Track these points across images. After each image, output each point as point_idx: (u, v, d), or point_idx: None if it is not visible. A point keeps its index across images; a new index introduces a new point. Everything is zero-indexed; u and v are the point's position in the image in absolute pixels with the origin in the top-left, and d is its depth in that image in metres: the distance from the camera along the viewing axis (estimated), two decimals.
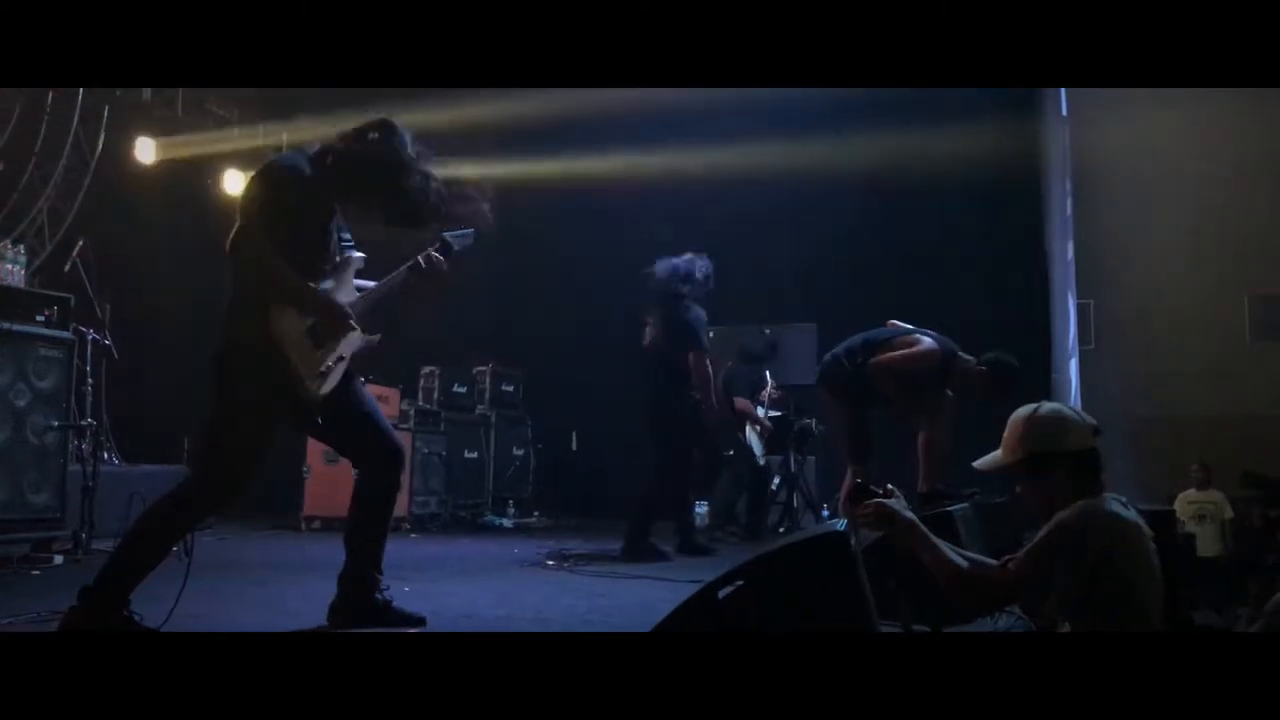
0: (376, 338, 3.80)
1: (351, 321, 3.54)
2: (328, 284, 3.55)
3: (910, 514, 2.69)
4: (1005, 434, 2.73)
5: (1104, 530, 2.44)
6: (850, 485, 2.80)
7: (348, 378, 3.69)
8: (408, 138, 3.58)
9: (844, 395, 5.64)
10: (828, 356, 5.85)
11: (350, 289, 3.68)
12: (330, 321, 3.49)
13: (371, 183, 3.54)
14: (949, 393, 5.53)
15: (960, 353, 5.39)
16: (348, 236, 3.74)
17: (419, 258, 3.83)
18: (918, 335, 5.49)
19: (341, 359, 3.61)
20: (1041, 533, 2.50)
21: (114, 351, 6.77)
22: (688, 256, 6.81)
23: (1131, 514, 2.54)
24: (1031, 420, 2.66)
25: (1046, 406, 2.70)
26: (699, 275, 6.78)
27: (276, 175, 3.48)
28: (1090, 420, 2.69)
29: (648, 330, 6.86)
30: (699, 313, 6.71)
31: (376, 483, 3.81)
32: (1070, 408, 2.75)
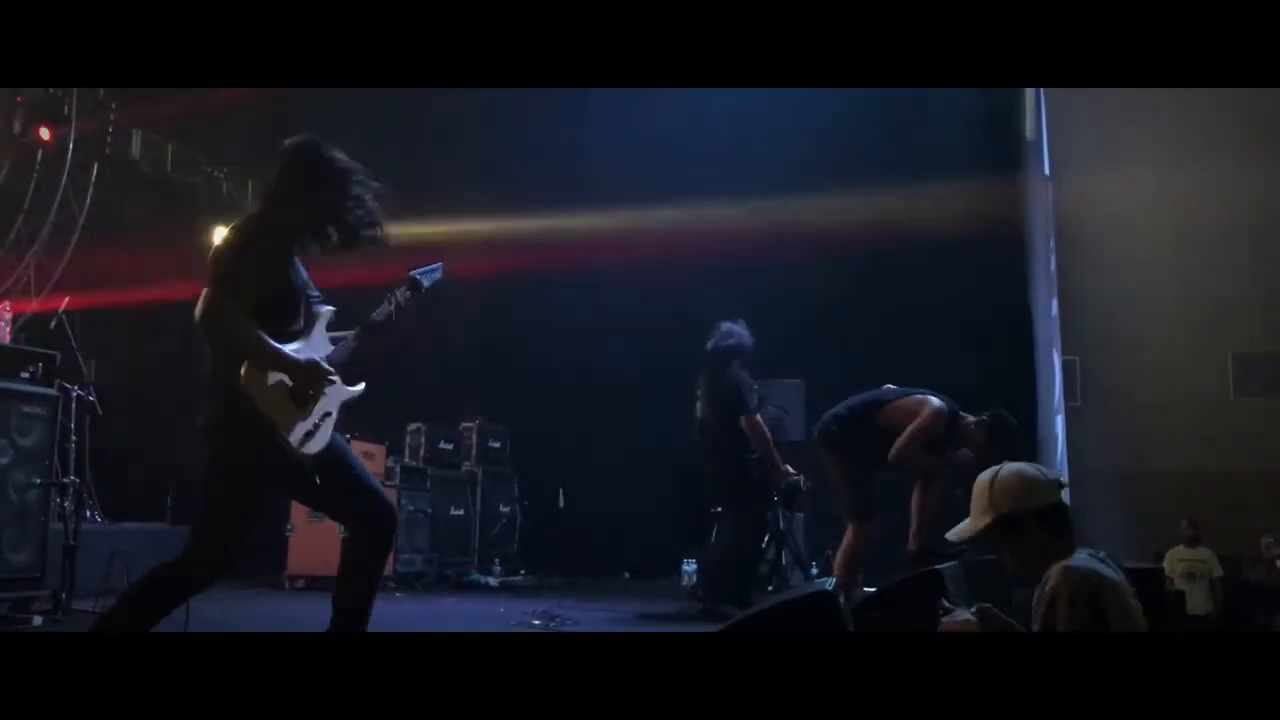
0: (360, 388, 3.77)
1: (331, 377, 3.53)
2: (298, 344, 3.53)
3: (1004, 619, 2.66)
4: (972, 501, 2.75)
5: (1087, 589, 2.43)
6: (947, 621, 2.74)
7: (335, 439, 3.67)
8: (330, 150, 3.62)
9: (846, 453, 5.70)
10: (827, 416, 5.91)
11: (324, 343, 3.66)
12: (311, 383, 3.48)
13: (316, 199, 3.56)
14: (945, 454, 5.64)
15: (960, 411, 5.56)
16: (315, 292, 3.72)
17: (386, 301, 3.81)
18: (922, 395, 5.60)
19: (329, 414, 3.58)
20: (1036, 611, 2.50)
21: (98, 408, 6.73)
22: (726, 325, 6.84)
23: (1111, 570, 2.54)
24: (994, 484, 2.69)
25: (1007, 468, 2.73)
26: (739, 340, 6.79)
27: (235, 240, 3.50)
28: (1052, 474, 2.71)
29: (698, 403, 6.89)
30: (741, 375, 6.70)
31: (368, 546, 3.75)
32: (1032, 466, 2.78)
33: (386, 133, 9.42)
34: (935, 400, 5.58)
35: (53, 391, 5.94)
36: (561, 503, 10.56)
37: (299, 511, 7.61)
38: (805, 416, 8.01)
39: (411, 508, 8.55)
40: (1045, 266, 8.45)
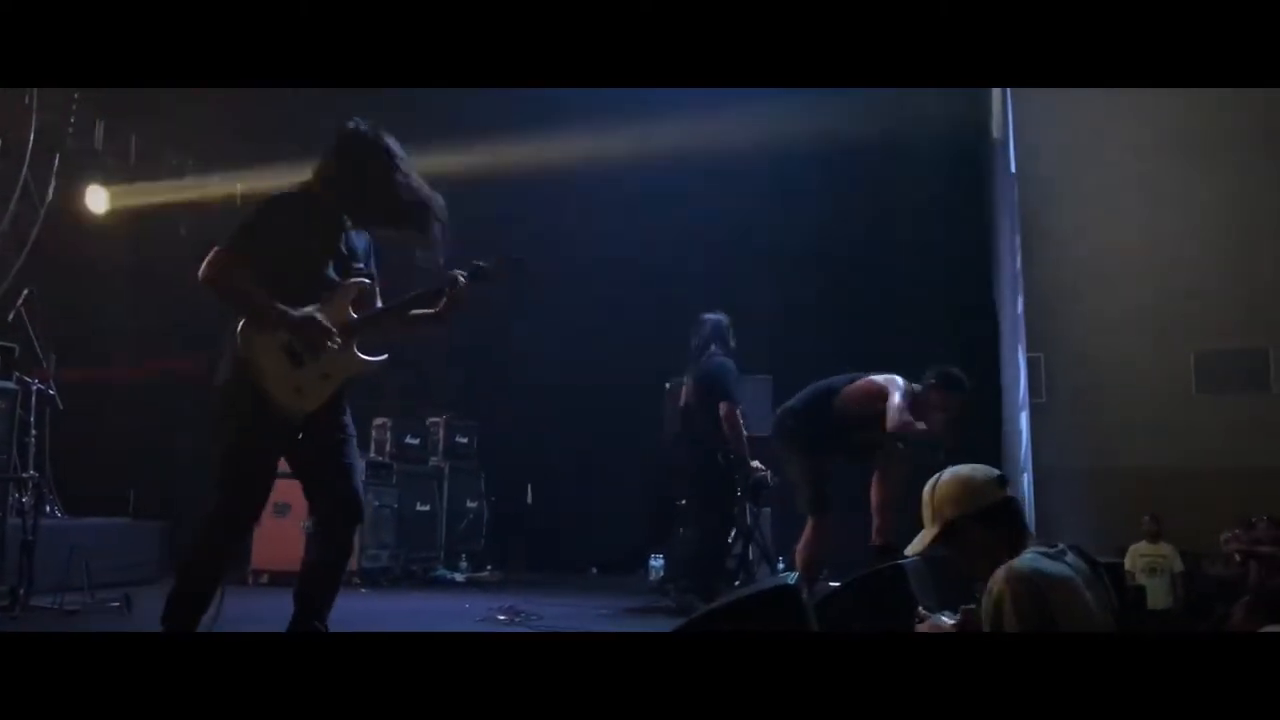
0: (379, 359, 3.76)
1: (333, 339, 3.52)
2: (313, 308, 3.54)
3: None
4: (923, 513, 2.76)
5: (1028, 590, 2.40)
6: (924, 621, 2.75)
7: (339, 415, 3.69)
8: (387, 139, 3.65)
9: (803, 447, 5.72)
10: (782, 411, 5.93)
11: (343, 312, 3.66)
12: (305, 338, 3.48)
13: (357, 177, 3.61)
14: (902, 445, 5.65)
15: (911, 383, 5.62)
16: (361, 265, 3.76)
17: (433, 287, 3.80)
18: (874, 377, 5.66)
19: (326, 377, 3.59)
20: (986, 615, 2.48)
21: (58, 401, 6.64)
22: (705, 315, 6.85)
23: (1057, 566, 2.49)
24: (935, 492, 2.70)
25: (946, 474, 2.73)
26: (723, 329, 6.79)
27: (260, 204, 3.61)
28: (991, 473, 2.70)
29: (684, 390, 6.88)
30: (727, 364, 6.68)
31: (328, 537, 3.74)
32: (969, 467, 2.74)
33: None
34: (892, 378, 5.65)
35: (11, 385, 5.86)
36: (529, 498, 10.54)
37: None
38: (773, 413, 8.02)
39: (378, 503, 8.50)
40: (1011, 264, 8.50)
